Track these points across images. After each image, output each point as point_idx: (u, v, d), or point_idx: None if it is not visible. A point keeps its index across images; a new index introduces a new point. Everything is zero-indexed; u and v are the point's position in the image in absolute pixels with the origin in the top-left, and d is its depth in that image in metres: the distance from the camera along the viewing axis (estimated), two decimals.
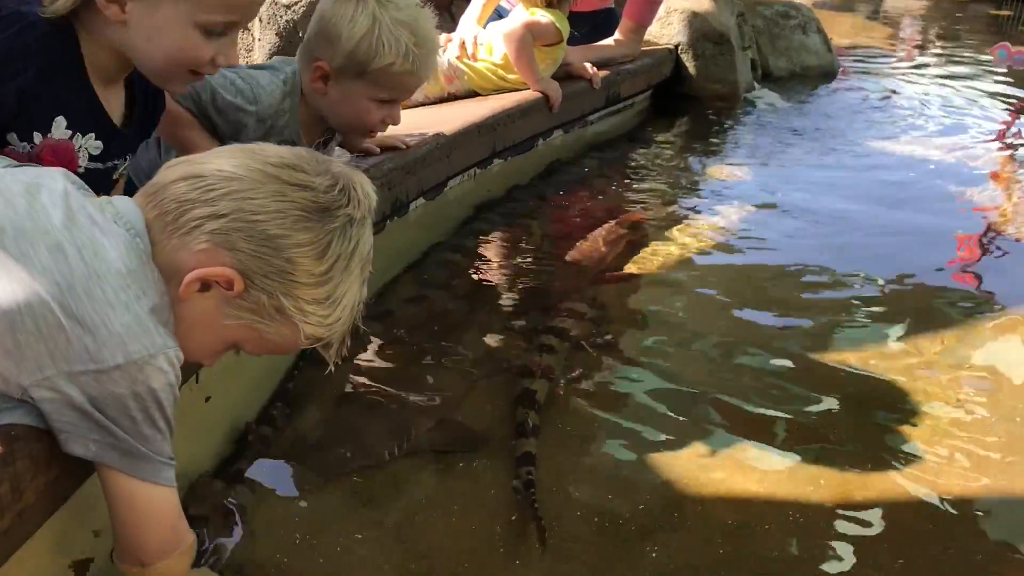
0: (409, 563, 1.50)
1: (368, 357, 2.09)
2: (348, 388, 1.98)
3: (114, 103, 1.54)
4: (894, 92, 5.43)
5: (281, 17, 4.06)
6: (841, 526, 1.61)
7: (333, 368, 1.35)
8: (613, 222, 2.93)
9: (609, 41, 4.13)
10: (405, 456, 1.76)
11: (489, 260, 2.72)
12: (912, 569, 1.52)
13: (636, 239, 2.86)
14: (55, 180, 1.18)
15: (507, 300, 2.48)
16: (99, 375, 1.06)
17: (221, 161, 1.19)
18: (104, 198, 1.22)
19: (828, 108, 4.94)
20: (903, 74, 6.20)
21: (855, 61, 6.49)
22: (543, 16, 3.36)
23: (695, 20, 4.70)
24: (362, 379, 2.01)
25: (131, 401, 1.08)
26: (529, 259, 2.73)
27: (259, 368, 1.87)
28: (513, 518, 1.61)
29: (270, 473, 1.69)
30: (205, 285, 1.16)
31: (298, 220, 1.17)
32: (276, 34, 4.11)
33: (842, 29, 8.06)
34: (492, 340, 2.24)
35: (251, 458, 1.70)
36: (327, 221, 1.19)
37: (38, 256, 1.07)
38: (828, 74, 5.64)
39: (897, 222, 3.21)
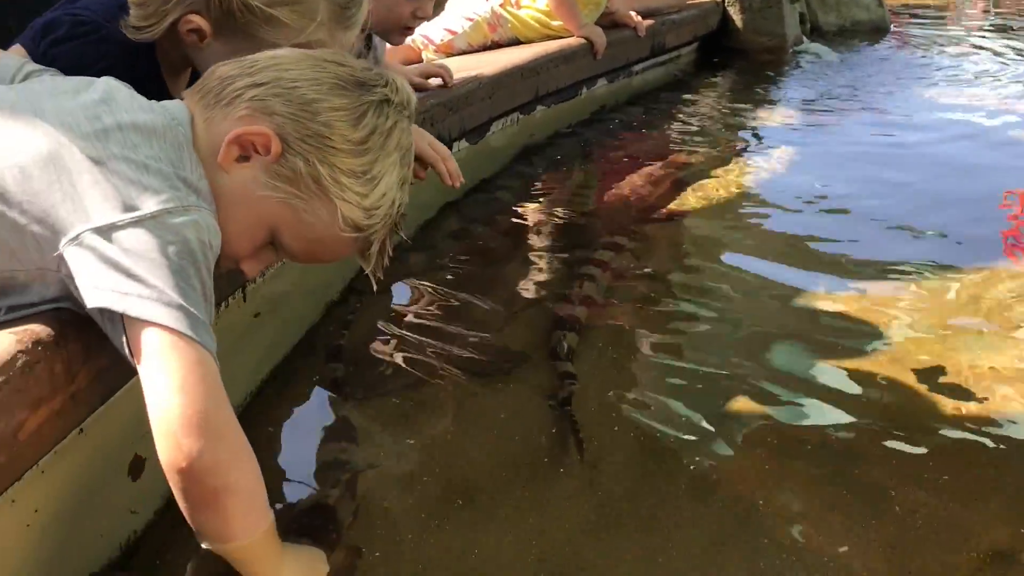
0: (451, 476, 1.52)
1: (412, 285, 2.12)
2: (391, 314, 2.00)
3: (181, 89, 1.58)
4: (945, 49, 5.31)
5: None
6: (892, 444, 1.59)
7: (374, 281, 1.34)
8: (656, 164, 2.91)
9: None
10: (447, 375, 1.78)
11: (532, 199, 2.73)
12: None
13: (679, 180, 2.84)
14: (107, 81, 1.22)
15: (549, 235, 2.49)
16: (134, 225, 1.03)
17: (267, 52, 1.25)
18: (153, 101, 1.24)
19: (877, 63, 4.86)
20: (955, 31, 6.06)
21: (908, 17, 6.36)
22: None
23: None
24: (405, 305, 2.03)
25: (167, 250, 1.04)
26: (572, 198, 2.75)
27: (306, 293, 1.92)
28: (553, 431, 1.63)
29: (315, 392, 1.72)
30: (244, 156, 1.17)
31: (334, 87, 1.18)
32: None
33: None
34: (533, 272, 2.25)
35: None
36: (363, 93, 1.20)
37: (80, 125, 1.09)
38: (879, 30, 5.55)
39: (943, 177, 3.11)
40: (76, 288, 1.05)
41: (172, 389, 1.01)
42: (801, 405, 1.69)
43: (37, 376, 1.05)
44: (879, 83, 4.41)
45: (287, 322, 1.87)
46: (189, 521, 1.06)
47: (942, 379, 1.78)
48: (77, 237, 1.03)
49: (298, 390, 1.73)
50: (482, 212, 2.58)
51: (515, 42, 3.46)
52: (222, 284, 1.55)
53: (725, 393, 1.73)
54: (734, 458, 1.56)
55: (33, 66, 1.34)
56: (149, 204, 1.05)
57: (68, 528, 1.19)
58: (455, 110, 2.52)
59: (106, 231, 1.02)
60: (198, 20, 1.43)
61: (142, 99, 1.20)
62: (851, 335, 1.94)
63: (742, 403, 1.71)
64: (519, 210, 2.63)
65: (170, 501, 1.36)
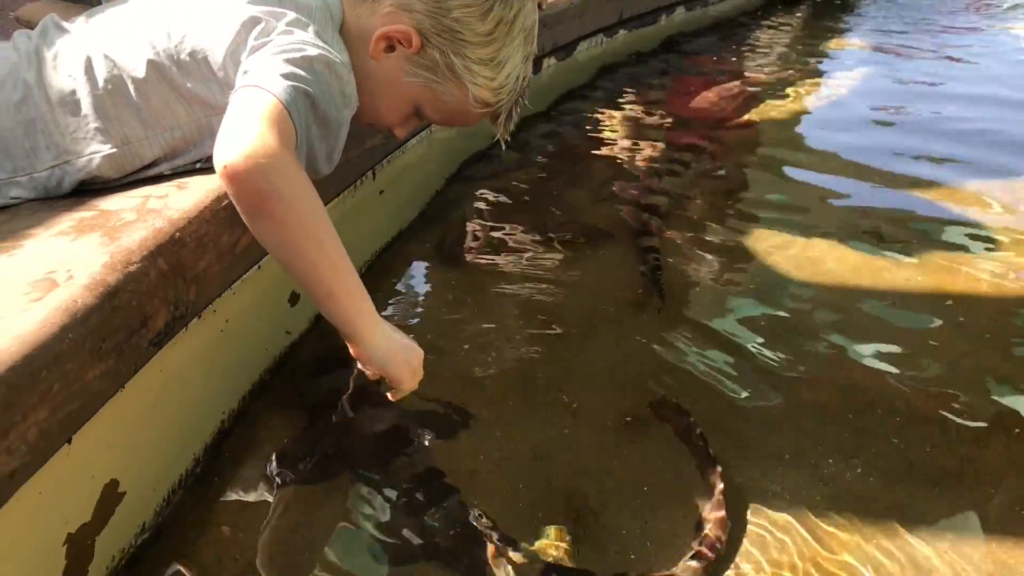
0: (548, 320, 1.78)
1: (510, 176, 2.37)
2: (491, 197, 2.26)
3: None
4: None
5: None
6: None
7: (503, 143, 1.52)
8: (731, 81, 3.11)
9: None
10: (544, 243, 2.04)
11: (615, 108, 2.95)
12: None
13: (752, 96, 3.04)
14: None
15: (633, 138, 2.71)
16: (282, 52, 1.20)
17: None
18: None
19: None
20: None
21: None
22: None
23: None
24: (504, 191, 2.29)
25: (306, 67, 1.19)
26: (653, 108, 2.95)
27: (419, 179, 2.19)
28: (639, 291, 1.88)
29: (432, 251, 2.01)
30: (390, 46, 1.36)
31: None
32: None
33: None
34: (618, 167, 2.49)
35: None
36: None
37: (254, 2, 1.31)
38: None
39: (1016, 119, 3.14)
40: None
41: (249, 118, 1.12)
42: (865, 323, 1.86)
43: None
44: (957, 16, 4.47)
45: (406, 199, 2.15)
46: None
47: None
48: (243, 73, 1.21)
49: (417, 250, 2.01)
50: (569, 118, 2.81)
51: None
52: (355, 166, 1.85)
53: (788, 291, 1.93)
54: (798, 312, 1.80)
55: None
56: (313, 49, 1.23)
57: (245, 338, 1.50)
58: (548, 26, 2.74)
59: (260, 47, 1.22)
60: None
61: None
62: (898, 251, 2.10)
63: (807, 270, 1.94)
64: (602, 116, 2.86)
65: (314, 322, 1.68)
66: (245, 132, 1.10)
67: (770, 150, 2.69)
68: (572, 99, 2.98)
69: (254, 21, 1.28)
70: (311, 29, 1.30)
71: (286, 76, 1.17)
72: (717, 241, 2.11)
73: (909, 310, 1.83)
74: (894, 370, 1.62)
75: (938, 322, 1.78)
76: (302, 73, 1.19)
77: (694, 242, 2.09)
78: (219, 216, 1.30)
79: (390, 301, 1.83)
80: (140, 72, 1.30)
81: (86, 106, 1.30)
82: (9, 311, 1.01)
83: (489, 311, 1.79)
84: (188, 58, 1.29)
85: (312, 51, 1.23)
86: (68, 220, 1.26)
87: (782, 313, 1.81)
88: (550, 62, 2.96)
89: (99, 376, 1.07)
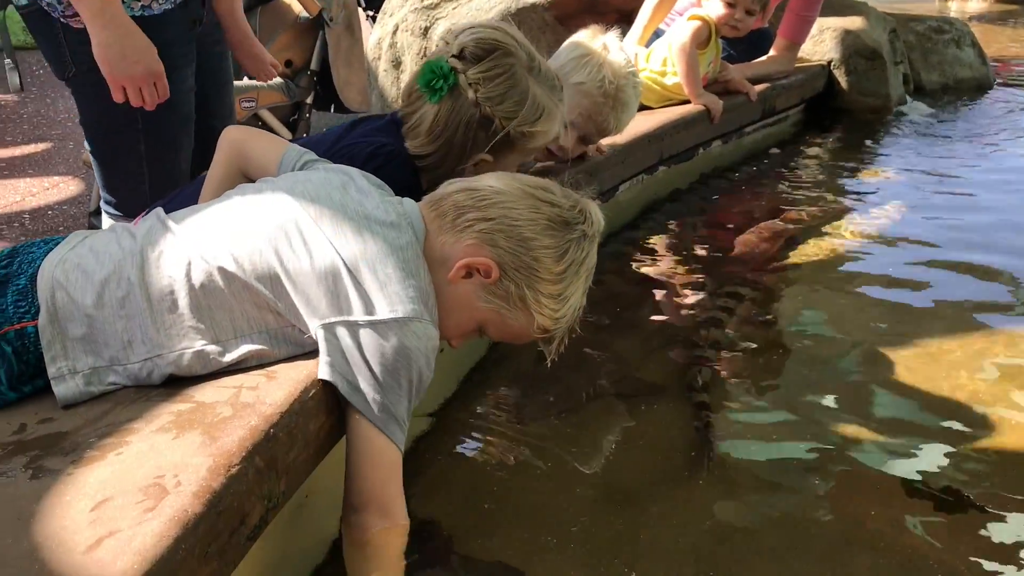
0: (602, 484, 1.83)
1: None
2: (538, 354, 2.33)
3: None
4: None
5: None
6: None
7: (550, 363, 1.65)
8: (770, 220, 3.21)
9: (765, 59, 4.41)
10: (596, 400, 2.11)
11: (657, 251, 3.06)
12: None
13: (794, 234, 3.13)
14: (360, 178, 1.60)
15: (675, 284, 2.80)
16: (368, 326, 1.37)
17: (491, 179, 1.56)
18: (396, 198, 1.60)
19: (981, 119, 5.03)
20: None
21: (1014, 73, 6.47)
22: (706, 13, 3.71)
23: (848, 37, 4.91)
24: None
25: (387, 353, 1.37)
26: (694, 250, 3.06)
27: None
28: (693, 453, 1.93)
29: (488, 412, 2.08)
30: (469, 272, 1.49)
31: (546, 228, 1.48)
32: None
33: (1000, 41, 7.99)
34: (664, 316, 2.58)
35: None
36: (567, 232, 1.50)
37: (345, 234, 1.45)
38: (982, 86, 5.70)
39: None
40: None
41: (358, 467, 1.40)
42: (915, 452, 1.91)
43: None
44: (983, 140, 4.59)
45: (460, 356, 2.24)
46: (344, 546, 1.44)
47: None
48: (331, 325, 1.39)
49: (475, 408, 2.09)
50: (612, 263, 2.91)
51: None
52: None
53: (839, 431, 2.00)
54: (858, 484, 1.82)
55: (310, 155, 1.73)
56: (384, 311, 1.38)
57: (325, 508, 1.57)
58: (594, 174, 2.86)
59: (350, 326, 1.38)
60: (484, 156, 1.85)
61: (391, 204, 1.54)
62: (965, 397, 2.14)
63: (856, 441, 1.98)
64: (645, 263, 2.96)
65: None
66: (358, 494, 1.40)
67: (812, 293, 2.77)
68: (614, 242, 3.09)
69: (352, 268, 1.41)
70: (407, 274, 1.44)
71: (395, 410, 1.40)
72: (767, 391, 2.16)
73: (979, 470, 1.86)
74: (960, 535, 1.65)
75: None
76: (412, 388, 1.41)
77: (745, 394, 2.15)
78: (307, 407, 1.40)
79: (450, 461, 1.89)
80: (235, 281, 1.42)
81: (183, 305, 1.42)
82: (127, 523, 1.10)
83: (545, 476, 1.85)
84: (282, 279, 1.42)
85: (411, 344, 1.39)
86: (168, 414, 1.36)
87: (838, 464, 1.86)
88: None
89: None
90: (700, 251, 3.05)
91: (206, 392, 1.42)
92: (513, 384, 2.19)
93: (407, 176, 1.87)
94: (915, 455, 1.90)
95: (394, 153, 1.86)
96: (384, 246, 1.45)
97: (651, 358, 2.34)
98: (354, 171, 1.64)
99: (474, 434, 2.01)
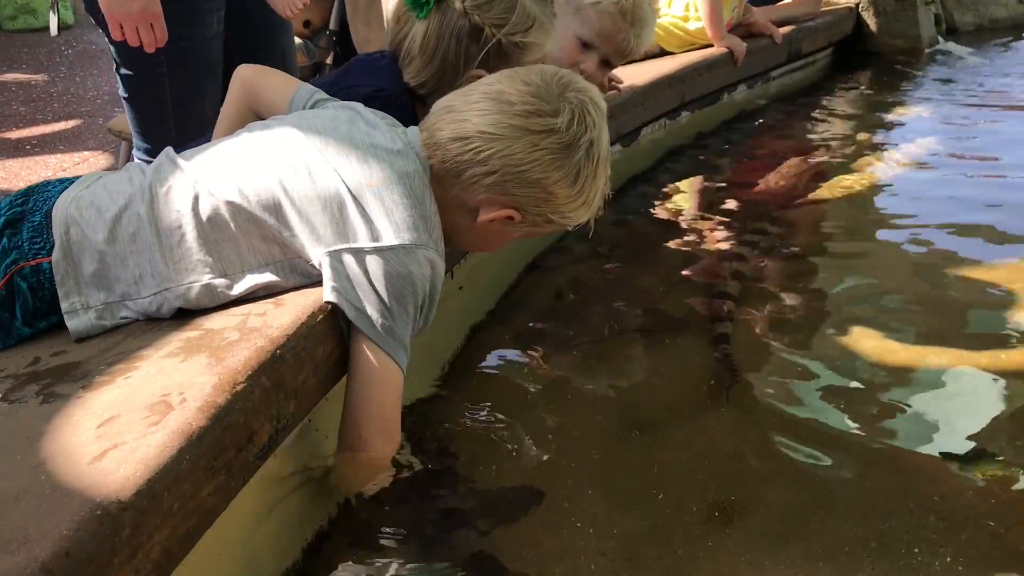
0: (626, 413, 1.81)
1: (580, 266, 2.44)
2: (565, 288, 2.33)
3: None
4: None
5: None
6: None
7: (590, 232, 1.65)
8: (796, 159, 3.15)
9: (790, 0, 4.31)
10: (618, 333, 2.09)
11: (681, 192, 3.01)
12: None
13: (818, 173, 3.07)
14: (368, 113, 1.58)
15: (699, 222, 2.75)
16: (374, 252, 1.37)
17: (479, 120, 1.47)
18: (402, 128, 1.58)
19: (1017, 60, 4.89)
20: None
21: None
22: None
23: None
24: (577, 281, 2.35)
25: (393, 279, 1.37)
26: (719, 190, 3.01)
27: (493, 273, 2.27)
28: (712, 383, 1.91)
29: (509, 345, 2.06)
30: (492, 220, 1.51)
31: (552, 162, 1.45)
32: None
33: None
34: (687, 253, 2.54)
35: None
36: (573, 154, 1.46)
37: (351, 162, 1.44)
38: (1019, 26, 5.53)
39: None
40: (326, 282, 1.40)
41: (366, 395, 1.40)
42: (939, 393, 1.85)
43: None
44: (1018, 82, 4.46)
45: (481, 294, 2.23)
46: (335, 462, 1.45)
47: None
48: (336, 252, 1.39)
49: (498, 342, 2.07)
50: (636, 204, 2.88)
51: (660, 51, 3.75)
52: None
53: (860, 368, 1.94)
54: (875, 412, 1.79)
55: (321, 95, 1.70)
56: (391, 238, 1.38)
57: None
58: (611, 116, 2.81)
59: (355, 252, 1.38)
60: (479, 72, 1.80)
61: (397, 134, 1.52)
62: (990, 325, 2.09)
63: (878, 376, 1.92)
64: (669, 202, 2.92)
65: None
66: (359, 416, 1.41)
67: (837, 228, 2.72)
68: (638, 183, 3.05)
69: (358, 196, 1.41)
70: (412, 203, 1.43)
71: (399, 334, 1.40)
72: (790, 323, 2.13)
73: (994, 388, 1.82)
74: (981, 450, 1.61)
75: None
76: (417, 315, 1.43)
77: (767, 325, 2.11)
78: (315, 331, 1.39)
79: (470, 393, 1.88)
80: (240, 213, 1.42)
81: (190, 239, 1.42)
82: (132, 436, 1.10)
83: (566, 406, 1.84)
84: (285, 208, 1.42)
85: (416, 271, 1.39)
86: (177, 341, 1.36)
87: (859, 395, 1.82)
88: (614, 148, 3.04)
89: (212, 492, 1.14)
90: (725, 190, 3.01)
91: (215, 320, 1.42)
92: (534, 319, 2.17)
93: (407, 119, 1.85)
94: (941, 387, 1.85)
95: (391, 97, 1.83)
96: (391, 173, 1.43)
97: (673, 292, 2.31)
98: (360, 106, 1.62)
99: (494, 364, 1.99)
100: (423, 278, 1.41)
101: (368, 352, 1.39)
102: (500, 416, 1.80)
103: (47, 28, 6.38)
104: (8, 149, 4.44)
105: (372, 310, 1.38)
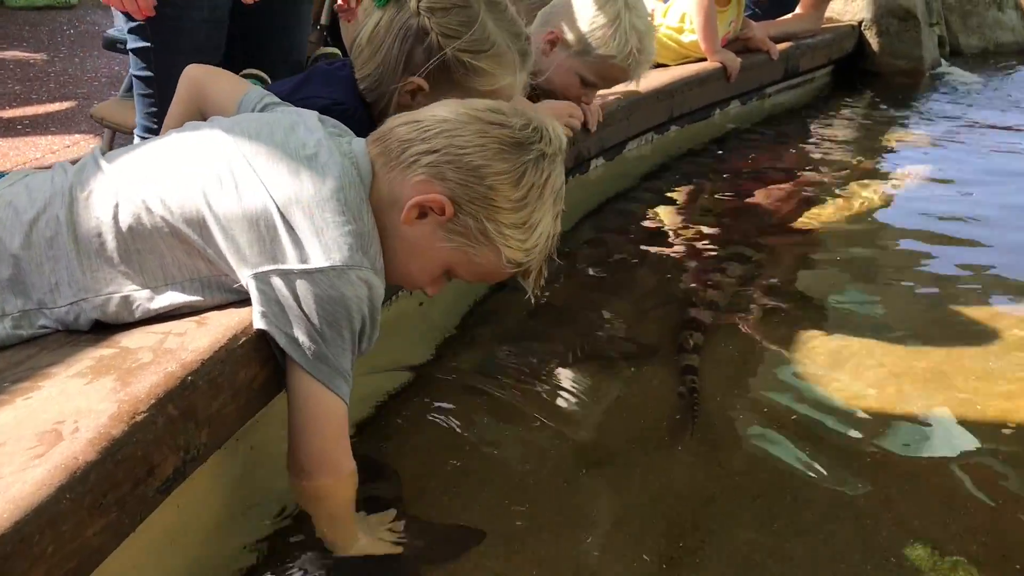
0: (582, 448, 1.72)
1: (551, 285, 2.33)
2: (533, 310, 2.22)
3: None
4: None
5: None
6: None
7: (532, 298, 1.49)
8: (786, 182, 3.06)
9: (790, 16, 4.22)
10: (583, 361, 1.99)
11: (663, 211, 2.91)
12: None
13: (808, 198, 2.98)
14: (312, 119, 1.47)
15: (679, 244, 2.65)
16: (303, 275, 1.26)
17: (436, 108, 1.43)
18: (346, 139, 1.47)
19: (1021, 87, 4.79)
20: None
21: None
22: None
23: None
24: (546, 303, 2.25)
25: (324, 304, 1.26)
26: (702, 211, 2.91)
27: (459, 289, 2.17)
28: (677, 417, 1.81)
29: (470, 370, 1.97)
30: (422, 212, 1.36)
31: (498, 152, 1.34)
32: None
33: None
34: (662, 277, 2.45)
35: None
36: (522, 153, 1.35)
37: (281, 175, 1.33)
38: None
39: None
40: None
41: (303, 427, 1.31)
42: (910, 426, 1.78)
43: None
44: (1021, 108, 4.36)
45: (444, 311, 2.13)
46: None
47: None
48: (264, 274, 1.28)
49: (455, 366, 1.97)
50: (615, 222, 2.78)
51: (654, 64, 3.64)
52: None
53: (830, 403, 1.86)
54: (838, 462, 1.69)
55: (272, 99, 1.60)
56: (320, 259, 1.27)
57: (273, 465, 1.48)
58: (597, 129, 2.73)
59: (284, 275, 1.27)
60: (419, 81, 1.71)
61: (336, 143, 1.40)
62: (977, 360, 2.01)
63: (848, 413, 1.84)
64: (650, 221, 2.83)
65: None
66: (301, 452, 1.32)
67: (822, 257, 2.62)
68: (620, 200, 2.96)
69: (286, 213, 1.30)
70: (346, 220, 1.31)
71: (336, 362, 1.29)
72: (761, 357, 2.03)
73: (978, 431, 1.75)
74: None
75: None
76: (355, 340, 1.32)
77: (737, 359, 2.02)
78: (236, 355, 1.29)
79: (425, 419, 1.79)
80: (163, 226, 1.32)
81: (110, 247, 1.32)
82: (11, 469, 1.00)
83: (520, 438, 1.75)
84: (210, 223, 1.31)
85: (349, 294, 1.28)
86: (88, 359, 1.27)
87: (829, 439, 1.73)
88: (597, 163, 2.95)
89: (99, 531, 1.05)
90: (708, 212, 2.91)
91: (133, 337, 1.32)
92: (497, 341, 2.08)
93: (363, 133, 1.76)
94: (910, 430, 1.77)
95: (349, 110, 1.74)
96: (323, 188, 1.32)
97: (644, 319, 2.22)
98: (308, 113, 1.52)
99: (452, 391, 1.90)
100: (359, 301, 1.30)
101: (303, 382, 1.29)
102: (450, 446, 1.72)
103: (50, 7, 6.31)
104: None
105: (305, 338, 1.28)
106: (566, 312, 2.20)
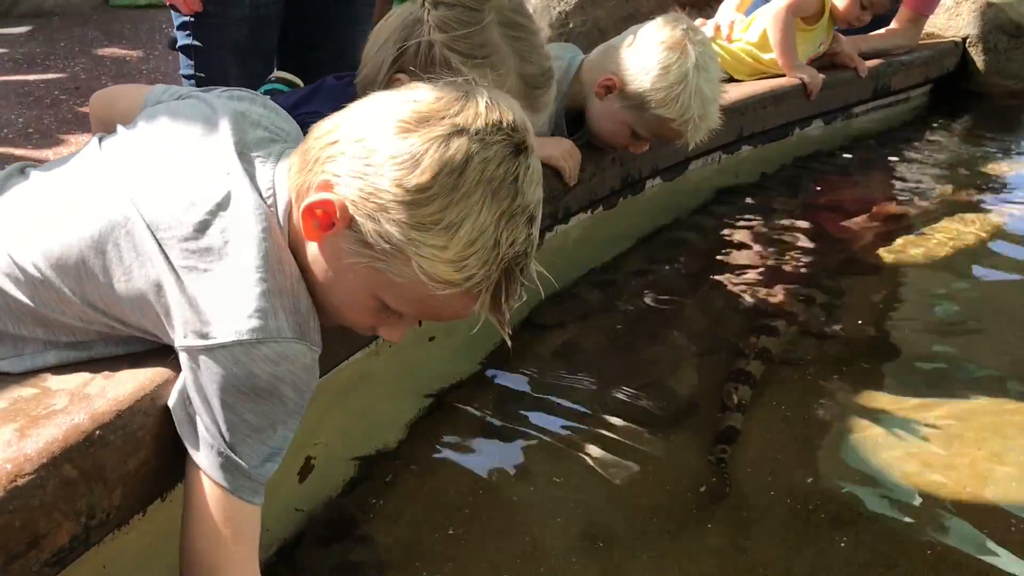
0: (590, 521, 1.51)
1: (584, 323, 2.11)
2: (560, 351, 2.00)
3: None
4: None
5: (554, 9, 4.16)
6: None
7: (509, 341, 1.15)
8: (864, 214, 2.75)
9: (884, 31, 3.89)
10: (608, 416, 1.76)
11: (725, 242, 2.63)
12: None
13: (888, 232, 2.66)
14: (228, 130, 1.20)
15: (736, 281, 2.37)
16: (205, 352, 1.05)
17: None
18: (268, 162, 1.18)
19: None
20: None
21: None
22: None
23: (989, 11, 4.30)
24: (575, 344, 2.03)
25: (229, 385, 1.04)
26: (767, 244, 2.62)
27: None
28: (702, 488, 1.57)
29: (479, 423, 1.76)
30: (326, 222, 1.08)
31: (396, 129, 1.05)
32: (548, 25, 4.22)
33: None
34: (713, 319, 2.19)
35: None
36: (427, 128, 1.04)
37: (175, 221, 1.09)
38: None
39: None
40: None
41: (189, 527, 1.08)
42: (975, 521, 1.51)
43: None
44: None
45: (459, 349, 1.92)
46: None
47: None
48: (184, 347, 1.07)
49: (465, 414, 1.77)
50: (667, 253, 2.53)
51: (727, 78, 3.37)
52: None
53: (896, 469, 1.61)
54: (889, 542, 1.44)
55: (181, 90, 1.36)
56: (226, 332, 1.04)
57: None
58: (652, 148, 2.48)
59: (189, 351, 1.06)
60: (404, 77, 1.51)
61: (251, 178, 1.15)
62: None
63: (912, 480, 1.58)
64: (707, 253, 2.56)
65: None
66: (195, 563, 1.08)
67: (902, 303, 2.32)
68: (678, 228, 2.70)
69: (180, 272, 1.08)
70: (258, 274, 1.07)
71: (220, 422, 1.06)
72: (815, 423, 1.77)
73: None
74: None
75: None
76: (272, 426, 1.09)
77: (787, 423, 1.76)
78: (162, 405, 1.11)
79: (422, 475, 1.60)
80: (51, 287, 1.14)
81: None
82: None
83: (522, 504, 1.55)
84: (95, 272, 1.12)
85: (266, 373, 1.05)
86: (5, 401, 1.11)
87: (883, 533, 1.46)
88: (654, 183, 2.70)
89: None
90: (773, 245, 2.61)
91: (63, 377, 1.16)
92: (512, 391, 1.85)
93: None
94: (975, 526, 1.49)
95: None
96: (227, 234, 1.09)
97: (685, 366, 1.97)
98: (225, 107, 1.25)
99: (457, 444, 1.70)
100: (274, 379, 1.06)
101: (201, 483, 1.07)
102: (447, 506, 1.53)
103: (152, 6, 6.38)
104: (85, 123, 4.33)
105: (202, 425, 1.07)
106: (595, 355, 1.97)
